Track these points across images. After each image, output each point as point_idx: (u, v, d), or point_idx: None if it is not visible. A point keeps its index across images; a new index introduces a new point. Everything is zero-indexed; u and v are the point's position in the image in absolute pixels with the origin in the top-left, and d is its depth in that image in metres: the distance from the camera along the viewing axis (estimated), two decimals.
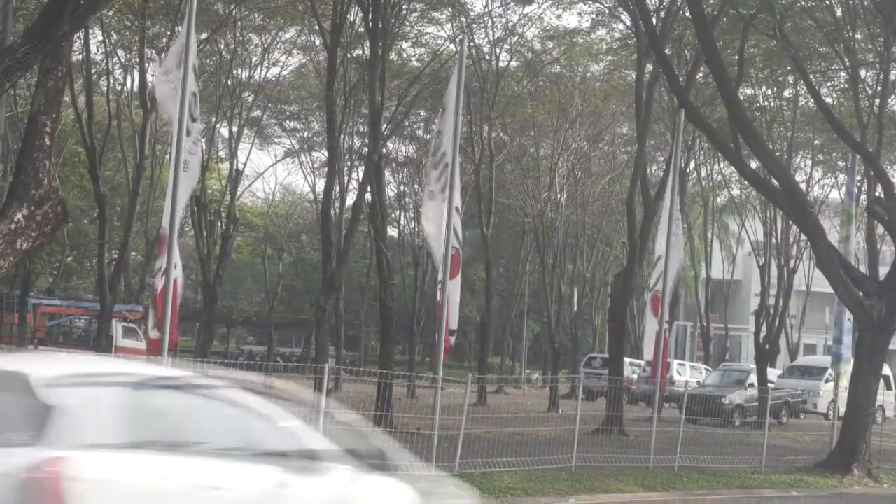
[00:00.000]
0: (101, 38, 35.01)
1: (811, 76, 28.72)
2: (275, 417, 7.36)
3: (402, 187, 60.03)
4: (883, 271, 24.19)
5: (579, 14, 37.61)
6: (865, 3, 27.06)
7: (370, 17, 28.38)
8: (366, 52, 31.90)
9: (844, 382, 23.40)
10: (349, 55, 33.61)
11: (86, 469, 6.16)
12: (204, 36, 33.94)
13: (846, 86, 33.29)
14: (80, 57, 31.98)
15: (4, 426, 6.27)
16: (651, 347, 21.51)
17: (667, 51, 29.20)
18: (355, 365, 49.69)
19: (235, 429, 7.12)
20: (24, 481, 6.00)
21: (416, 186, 57.89)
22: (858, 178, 29.43)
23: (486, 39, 40.73)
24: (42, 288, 51.83)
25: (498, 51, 41.19)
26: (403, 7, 32.64)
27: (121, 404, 6.59)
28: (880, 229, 30.77)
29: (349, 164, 46.55)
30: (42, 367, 6.81)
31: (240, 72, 40.75)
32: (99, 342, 32.09)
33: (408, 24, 36.77)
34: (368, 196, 30.07)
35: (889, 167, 39.45)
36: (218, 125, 43.85)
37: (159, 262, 16.09)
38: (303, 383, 31.36)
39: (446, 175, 17.51)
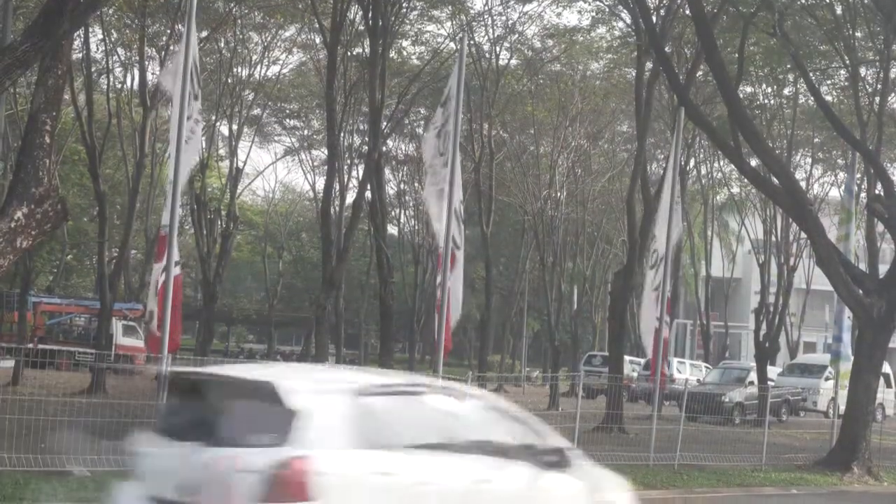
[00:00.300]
0: (101, 36, 34.95)
1: (811, 74, 28.70)
2: (473, 417, 8.29)
3: (401, 185, 60.10)
4: (883, 269, 24.19)
5: (579, 12, 37.74)
6: (865, 1, 27.05)
7: (370, 15, 28.41)
8: (366, 50, 31.93)
9: (844, 380, 23.39)
10: (349, 53, 33.64)
11: (326, 466, 7.06)
12: (204, 34, 33.91)
13: (846, 84, 33.28)
14: (80, 55, 31.92)
15: (256, 429, 7.24)
16: (650, 339, 21.46)
17: (667, 49, 29.18)
18: (355, 363, 49.70)
19: (443, 428, 8.02)
20: (272, 477, 6.90)
21: (415, 184, 57.90)
22: (858, 175, 29.40)
23: (486, 37, 40.79)
24: (42, 286, 51.82)
25: (498, 49, 41.24)
26: (403, 5, 32.66)
27: (353, 408, 7.46)
28: (880, 227, 30.78)
29: (349, 162, 46.57)
30: (287, 376, 7.79)
31: (240, 70, 40.77)
32: (99, 340, 32.07)
33: (408, 22, 36.79)
34: (368, 194, 30.10)
35: (889, 165, 39.46)
36: (218, 123, 43.86)
37: (157, 266, 16.09)
38: None
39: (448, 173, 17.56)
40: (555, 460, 8.40)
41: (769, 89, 39.36)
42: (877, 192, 27.28)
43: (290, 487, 6.94)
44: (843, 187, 27.20)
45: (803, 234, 33.29)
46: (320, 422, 7.21)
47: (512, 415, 8.73)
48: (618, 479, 9.53)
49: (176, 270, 15.87)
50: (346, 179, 46.29)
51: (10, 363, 30.17)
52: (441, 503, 7.64)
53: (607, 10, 36.22)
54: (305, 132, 53.96)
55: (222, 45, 38.41)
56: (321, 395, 7.45)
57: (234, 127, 43.87)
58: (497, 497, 8.00)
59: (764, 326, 41.25)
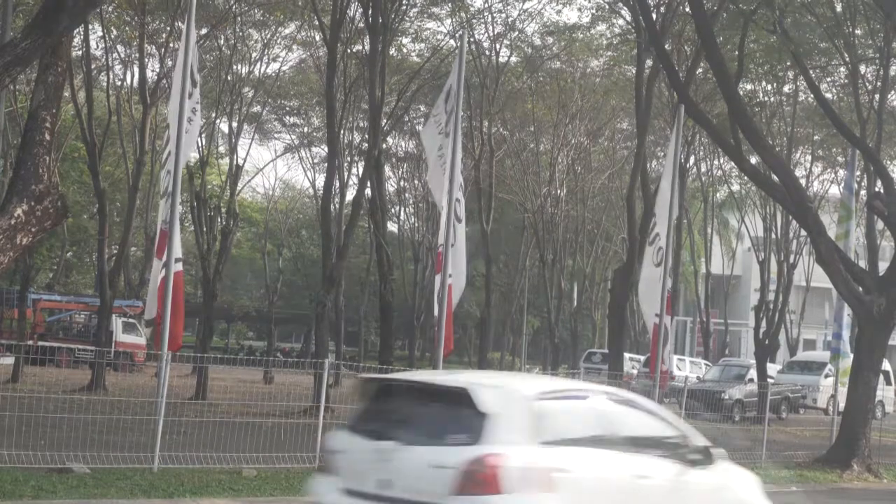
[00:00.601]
0: (100, 33, 34.96)
1: (811, 72, 28.69)
2: (630, 418, 9.21)
3: (402, 182, 60.04)
4: (883, 266, 24.18)
5: (579, 9, 37.61)
6: None
7: (370, 12, 28.38)
8: (366, 47, 31.90)
9: (844, 378, 23.40)
10: (349, 51, 33.59)
11: (513, 462, 7.97)
12: (204, 31, 33.88)
13: (846, 81, 33.27)
14: (80, 52, 31.93)
15: (450, 429, 8.25)
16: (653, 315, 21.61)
17: (667, 46, 29.16)
18: (355, 360, 49.69)
19: (606, 427, 8.92)
20: (467, 472, 7.87)
21: (415, 182, 57.87)
22: (858, 173, 29.42)
23: (486, 35, 40.75)
24: (42, 283, 51.82)
25: (498, 46, 41.18)
26: (403, 2, 32.63)
27: (533, 410, 8.43)
28: (880, 224, 30.80)
29: (349, 159, 46.53)
30: (477, 382, 8.64)
31: (239, 67, 40.71)
32: (99, 337, 32.10)
33: (408, 19, 36.76)
34: (368, 191, 30.07)
35: (889, 162, 39.42)
36: (218, 121, 43.83)
37: (158, 262, 16.06)
38: (302, 378, 31.35)
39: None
40: (699, 458, 9.29)
41: (769, 87, 39.32)
42: (877, 189, 27.26)
43: (483, 481, 7.87)
44: (842, 185, 27.21)
45: (803, 232, 33.28)
46: (507, 422, 8.15)
47: (662, 416, 9.62)
48: (752, 477, 10.26)
49: (177, 267, 15.86)
50: (346, 177, 46.26)
51: (9, 360, 30.20)
52: (608, 495, 8.57)
53: (607, 7, 36.23)
54: (305, 129, 53.90)
55: (222, 42, 38.37)
56: (507, 399, 8.38)
57: (234, 124, 43.77)
58: (653, 491, 8.90)
59: (764, 324, 41.32)
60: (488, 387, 8.49)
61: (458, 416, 8.21)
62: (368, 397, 9.14)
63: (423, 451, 8.10)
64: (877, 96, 28.84)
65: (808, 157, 46.36)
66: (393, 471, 8.15)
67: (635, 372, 40.39)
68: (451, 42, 38.54)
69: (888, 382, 36.84)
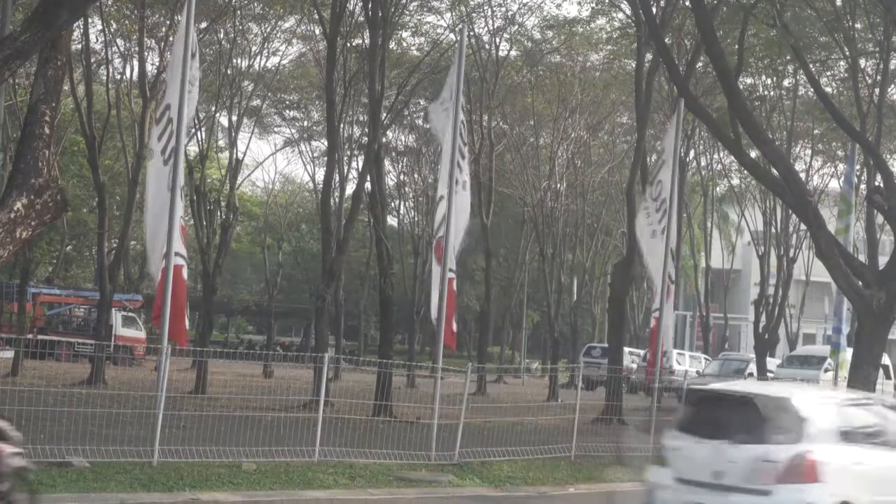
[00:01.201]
0: (100, 26, 34.93)
1: (811, 65, 28.65)
2: None
3: (401, 176, 60.02)
4: (882, 261, 24.17)
5: (579, 3, 37.30)
6: None
7: (370, 6, 28.34)
8: (365, 41, 31.86)
9: (844, 372, 23.39)
10: (349, 44, 33.57)
11: (824, 457, 10.15)
12: (203, 25, 33.83)
13: (846, 75, 33.23)
14: (80, 46, 31.89)
15: (772, 430, 10.30)
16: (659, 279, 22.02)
17: (667, 40, 29.12)
18: (355, 354, 49.74)
19: (887, 430, 11.09)
20: (790, 466, 9.99)
21: (415, 176, 57.88)
22: (858, 167, 29.38)
23: (486, 29, 40.69)
24: (41, 277, 51.82)
25: (498, 40, 41.13)
26: None
27: (836, 415, 10.73)
28: (880, 219, 30.76)
29: (349, 153, 46.51)
30: (795, 393, 11.28)
31: (239, 61, 40.67)
32: (98, 331, 32.10)
33: (407, 13, 36.70)
34: (368, 185, 30.04)
35: (889, 156, 39.40)
36: (217, 114, 43.77)
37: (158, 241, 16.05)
38: (302, 372, 31.35)
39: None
40: None
41: (769, 80, 39.30)
42: (876, 183, 27.25)
43: (803, 472, 10.03)
44: (842, 179, 27.19)
45: (803, 226, 33.26)
46: (818, 425, 10.35)
47: None
48: None
49: (177, 261, 15.85)
50: (345, 170, 46.24)
51: (9, 354, 30.21)
52: (891, 485, 10.59)
53: (607, 0, 36.16)
54: (305, 123, 53.85)
55: (222, 35, 38.33)
56: (818, 405, 10.72)
57: (234, 118, 43.75)
58: None
59: (763, 318, 41.32)
60: (804, 396, 11.02)
61: (781, 419, 10.29)
62: (695, 402, 11.46)
63: (756, 449, 10.18)
64: (877, 90, 28.81)
65: (808, 152, 46.35)
66: (726, 463, 10.23)
67: (635, 366, 40.42)
68: (451, 36, 38.54)
69: (888, 377, 36.79)
